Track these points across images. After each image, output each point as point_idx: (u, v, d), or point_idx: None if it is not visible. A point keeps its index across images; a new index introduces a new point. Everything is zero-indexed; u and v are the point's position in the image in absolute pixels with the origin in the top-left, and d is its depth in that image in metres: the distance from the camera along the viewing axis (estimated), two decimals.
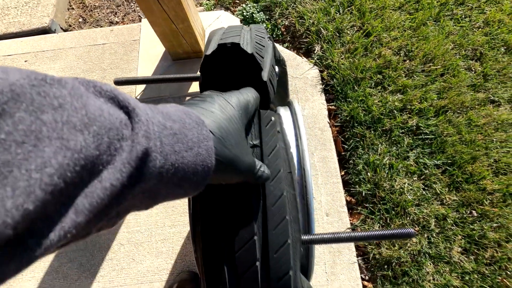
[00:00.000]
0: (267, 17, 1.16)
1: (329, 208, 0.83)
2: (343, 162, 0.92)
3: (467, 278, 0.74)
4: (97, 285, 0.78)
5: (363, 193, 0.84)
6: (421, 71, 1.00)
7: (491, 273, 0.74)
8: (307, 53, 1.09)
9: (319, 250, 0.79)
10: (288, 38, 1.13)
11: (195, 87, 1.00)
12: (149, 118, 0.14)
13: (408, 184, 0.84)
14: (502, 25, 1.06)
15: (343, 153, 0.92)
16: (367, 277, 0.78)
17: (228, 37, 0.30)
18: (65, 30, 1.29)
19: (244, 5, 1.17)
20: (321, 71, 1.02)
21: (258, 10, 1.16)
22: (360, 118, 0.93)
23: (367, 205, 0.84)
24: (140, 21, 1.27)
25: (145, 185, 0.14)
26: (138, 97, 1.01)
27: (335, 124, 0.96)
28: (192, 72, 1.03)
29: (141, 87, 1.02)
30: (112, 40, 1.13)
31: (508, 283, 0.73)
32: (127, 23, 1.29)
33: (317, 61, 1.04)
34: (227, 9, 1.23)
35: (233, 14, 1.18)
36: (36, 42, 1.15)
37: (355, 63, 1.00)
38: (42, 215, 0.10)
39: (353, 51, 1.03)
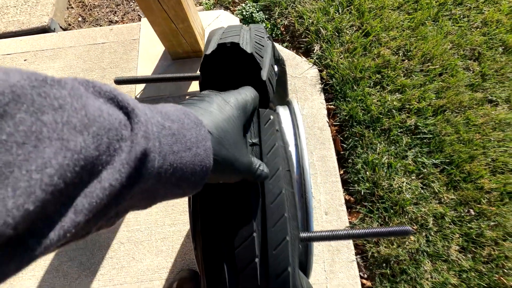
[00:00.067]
0: (266, 16, 1.16)
1: (328, 207, 0.84)
2: (342, 161, 0.92)
3: (464, 276, 0.75)
4: (97, 284, 0.78)
5: (362, 192, 0.85)
6: (420, 70, 1.00)
7: (488, 271, 0.75)
8: (307, 53, 1.09)
9: (318, 249, 0.79)
10: (288, 38, 1.13)
11: (194, 86, 1.01)
12: (148, 118, 0.14)
13: (406, 183, 0.85)
14: (500, 25, 1.06)
15: (342, 152, 0.93)
16: (365, 275, 0.79)
17: (228, 36, 0.30)
18: (64, 29, 1.29)
19: (243, 5, 1.18)
20: (320, 71, 1.03)
21: (257, 9, 1.16)
22: (359, 118, 0.93)
23: (366, 203, 0.85)
24: (139, 20, 1.27)
25: (144, 185, 0.14)
26: (137, 96, 1.01)
27: (334, 123, 0.97)
28: (191, 71, 1.03)
29: (141, 86, 1.02)
30: (112, 39, 1.13)
31: (505, 280, 0.73)
32: (126, 22, 1.29)
33: (316, 60, 1.04)
34: (226, 8, 1.23)
35: (233, 13, 1.18)
36: (36, 41, 1.15)
37: (354, 62, 1.00)
38: (43, 215, 0.10)
39: (352, 50, 1.03)
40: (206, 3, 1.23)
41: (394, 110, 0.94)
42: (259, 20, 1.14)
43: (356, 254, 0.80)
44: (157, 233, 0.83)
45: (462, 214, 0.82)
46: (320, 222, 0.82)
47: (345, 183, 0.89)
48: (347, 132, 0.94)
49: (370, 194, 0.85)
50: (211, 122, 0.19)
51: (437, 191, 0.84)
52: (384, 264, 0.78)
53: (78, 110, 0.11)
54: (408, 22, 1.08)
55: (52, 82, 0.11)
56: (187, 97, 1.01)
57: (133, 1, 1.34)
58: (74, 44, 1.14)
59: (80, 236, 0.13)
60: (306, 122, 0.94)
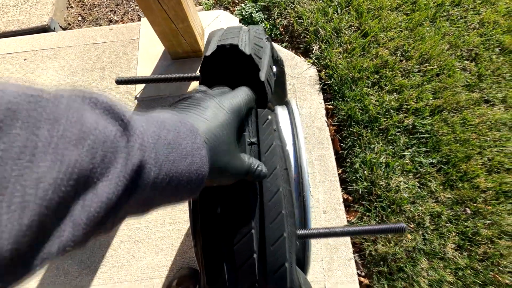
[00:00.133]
0: (265, 17, 1.17)
1: (327, 206, 0.85)
2: (340, 160, 0.93)
3: (460, 273, 0.76)
4: (98, 282, 0.79)
5: (360, 191, 0.86)
6: (417, 71, 1.01)
7: (484, 268, 0.76)
8: (305, 53, 1.10)
9: (316, 247, 0.80)
10: (287, 38, 1.14)
11: (194, 86, 1.01)
12: (144, 129, 0.15)
13: (403, 182, 0.86)
14: (497, 26, 1.07)
15: (340, 151, 0.93)
16: (363, 273, 0.80)
17: (227, 38, 0.31)
18: (64, 29, 1.30)
19: (243, 5, 1.18)
20: (319, 71, 1.03)
21: (257, 9, 1.17)
22: (357, 117, 0.94)
23: (364, 202, 0.86)
24: (139, 20, 1.28)
25: (140, 195, 0.14)
26: (138, 96, 1.01)
27: (332, 123, 0.98)
28: (191, 71, 1.04)
29: (141, 85, 1.03)
30: (112, 39, 1.14)
31: (500, 278, 0.75)
32: (126, 22, 1.29)
33: (315, 60, 1.05)
34: (226, 8, 1.23)
35: (232, 13, 1.19)
36: (36, 41, 1.15)
37: (353, 63, 1.01)
38: (39, 229, 0.10)
39: (350, 51, 1.04)
40: (206, 3, 1.24)
41: (392, 110, 0.95)
42: (258, 20, 1.14)
43: (354, 252, 0.81)
44: (157, 232, 0.83)
45: (459, 213, 0.83)
46: (319, 220, 0.83)
47: (343, 182, 0.90)
48: (346, 132, 0.94)
49: (368, 193, 0.86)
50: (206, 130, 0.19)
51: (434, 190, 0.85)
52: (381, 262, 0.79)
53: (73, 124, 0.11)
54: (406, 22, 1.08)
55: (49, 96, 0.11)
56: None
57: (133, 1, 1.34)
58: (74, 44, 1.14)
59: (78, 247, 0.13)
60: (305, 121, 0.95)
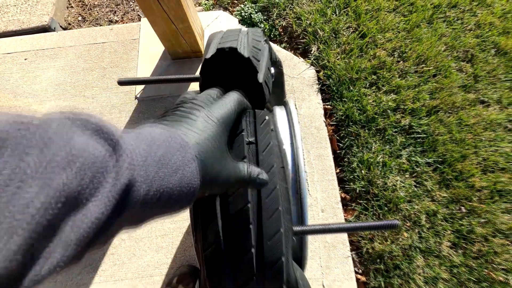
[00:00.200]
0: (265, 17, 1.18)
1: (325, 205, 0.86)
2: (338, 160, 0.94)
3: (455, 271, 0.78)
4: (99, 279, 0.80)
5: (357, 190, 0.87)
6: (414, 72, 1.03)
7: (478, 266, 0.77)
8: (304, 54, 1.11)
9: (314, 245, 0.82)
10: (286, 39, 1.15)
11: (194, 86, 1.02)
12: (133, 148, 0.15)
13: (400, 181, 0.87)
14: (493, 27, 1.09)
15: (338, 151, 0.95)
16: (360, 271, 0.81)
17: (227, 41, 0.32)
18: (64, 29, 1.30)
19: (242, 6, 1.19)
20: (317, 71, 1.05)
21: (256, 10, 1.18)
22: (355, 118, 0.95)
23: (361, 201, 0.87)
24: (139, 20, 1.29)
25: (131, 211, 0.15)
26: (138, 96, 1.02)
27: (330, 123, 0.99)
28: (191, 71, 1.05)
29: (141, 86, 1.04)
30: (112, 39, 1.15)
31: (494, 275, 0.76)
32: (126, 22, 1.30)
33: (314, 61, 1.06)
34: (225, 9, 1.24)
35: (232, 14, 1.20)
36: (36, 41, 1.16)
37: (351, 63, 1.02)
38: (28, 253, 0.10)
39: (348, 52, 1.05)
40: (205, 4, 1.25)
41: (389, 110, 0.96)
42: (257, 21, 1.15)
43: (351, 250, 0.82)
44: (157, 230, 0.84)
45: (454, 212, 0.84)
46: (317, 219, 0.84)
47: (341, 181, 0.91)
48: (343, 132, 0.96)
49: (365, 192, 0.88)
50: (196, 142, 0.19)
51: (430, 189, 0.87)
52: (378, 260, 0.80)
53: (62, 147, 0.11)
54: (404, 24, 1.10)
55: (38, 122, 0.12)
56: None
57: (133, 1, 1.35)
58: (74, 44, 1.15)
59: (72, 264, 0.13)
60: (303, 121, 0.96)
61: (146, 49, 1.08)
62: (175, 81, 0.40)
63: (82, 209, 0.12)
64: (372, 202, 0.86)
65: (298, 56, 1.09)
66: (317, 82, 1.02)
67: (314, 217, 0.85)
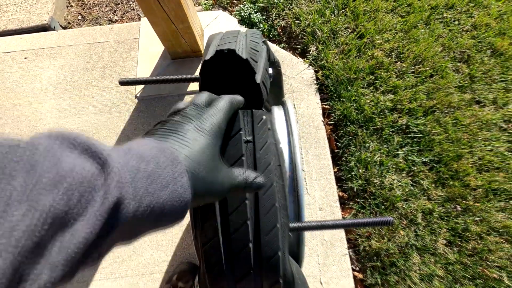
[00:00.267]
0: (264, 17, 1.18)
1: (323, 203, 0.87)
2: (336, 159, 0.95)
3: (450, 268, 0.79)
4: (99, 277, 0.81)
5: (355, 189, 0.88)
6: (412, 72, 1.04)
7: (473, 263, 0.79)
8: (303, 54, 1.12)
9: (312, 243, 0.83)
10: (285, 39, 1.16)
11: (193, 86, 1.03)
12: (121, 166, 0.15)
13: (397, 180, 0.88)
14: (489, 28, 1.10)
15: (336, 150, 0.96)
16: (357, 268, 0.83)
17: (225, 43, 0.33)
18: (64, 28, 1.31)
19: (241, 6, 1.20)
20: (316, 71, 1.06)
21: (255, 10, 1.19)
22: (352, 117, 0.96)
23: (359, 200, 0.88)
24: (139, 19, 1.29)
25: (122, 228, 0.15)
26: (138, 95, 1.03)
27: (329, 122, 1.00)
28: (190, 70, 1.06)
29: (141, 85, 1.04)
30: (112, 38, 1.15)
31: (488, 272, 0.77)
32: (126, 22, 1.30)
33: (312, 61, 1.07)
34: (225, 9, 1.25)
35: (231, 14, 1.20)
36: (36, 39, 1.16)
37: (349, 64, 1.03)
38: (14, 276, 0.10)
39: (347, 52, 1.06)
40: (205, 4, 1.25)
41: (386, 110, 0.97)
42: (256, 21, 1.16)
43: (349, 248, 0.83)
44: None
45: (449, 210, 0.85)
46: (315, 217, 0.86)
47: (338, 180, 0.92)
48: (341, 131, 0.97)
49: (362, 190, 0.89)
50: (186, 156, 0.19)
51: (426, 188, 0.88)
52: (375, 257, 0.82)
53: (49, 169, 0.12)
54: (401, 25, 1.11)
55: (26, 145, 0.12)
56: (186, 96, 1.03)
57: (133, 0, 1.36)
58: (74, 43, 1.15)
59: (65, 282, 0.13)
60: (302, 121, 0.97)
61: (146, 49, 1.09)
62: (175, 81, 0.41)
63: (70, 228, 0.12)
64: (369, 200, 0.87)
65: (296, 56, 1.10)
66: (315, 82, 1.03)
67: (312, 215, 0.86)
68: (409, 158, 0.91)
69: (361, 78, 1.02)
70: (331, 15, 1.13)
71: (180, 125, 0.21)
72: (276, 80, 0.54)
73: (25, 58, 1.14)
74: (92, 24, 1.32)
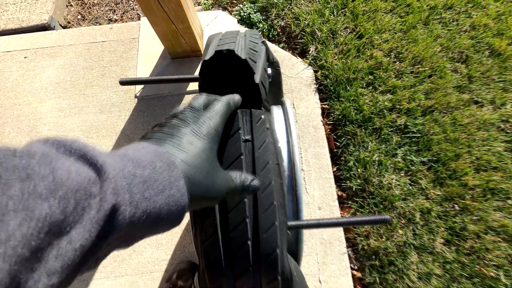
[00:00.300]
0: (263, 17, 1.19)
1: (322, 202, 0.87)
2: (335, 158, 0.96)
3: (448, 267, 0.80)
4: (99, 276, 0.81)
5: (354, 188, 0.89)
6: (410, 72, 1.04)
7: (470, 262, 0.79)
8: (302, 54, 1.12)
9: (311, 242, 0.83)
10: (284, 39, 1.16)
11: (193, 85, 1.03)
12: (117, 173, 0.15)
13: (395, 179, 0.89)
14: (487, 29, 1.10)
15: (335, 150, 0.96)
16: (356, 267, 0.83)
17: (225, 43, 0.34)
18: (64, 27, 1.31)
19: (241, 6, 1.20)
20: (315, 71, 1.06)
21: (255, 10, 1.19)
22: (351, 117, 0.97)
23: (357, 199, 0.89)
24: (139, 19, 1.29)
25: (118, 234, 0.15)
26: (137, 94, 1.03)
27: (328, 122, 1.00)
28: (190, 70, 1.06)
29: (141, 85, 1.05)
30: (112, 38, 1.15)
31: (485, 271, 0.78)
32: (125, 21, 1.31)
33: (312, 61, 1.07)
34: (224, 9, 1.25)
35: (231, 14, 1.21)
36: (36, 39, 1.17)
37: (348, 64, 1.03)
38: (12, 284, 0.10)
39: (346, 52, 1.07)
40: (205, 3, 1.26)
41: (385, 110, 0.98)
42: (256, 21, 1.16)
43: (347, 246, 0.84)
44: None
45: (447, 209, 0.86)
46: (314, 216, 0.86)
47: (337, 179, 0.93)
48: (340, 131, 0.97)
49: (361, 190, 0.89)
50: (182, 160, 0.19)
51: (424, 187, 0.88)
52: (373, 256, 0.82)
53: (45, 177, 0.12)
54: (400, 25, 1.11)
55: (21, 154, 0.12)
56: (186, 95, 1.04)
57: (132, 0, 1.36)
58: (74, 42, 1.15)
59: None
60: (301, 121, 0.98)
61: (145, 48, 1.09)
62: (175, 81, 0.41)
63: (67, 236, 0.12)
64: (368, 200, 0.88)
65: (296, 56, 1.10)
66: (314, 82, 1.04)
67: (311, 214, 0.86)
68: (408, 157, 0.92)
69: (360, 78, 1.03)
70: (331, 15, 1.13)
71: (176, 128, 0.21)
72: (275, 80, 0.55)
73: (25, 58, 1.14)
74: (92, 23, 1.32)
